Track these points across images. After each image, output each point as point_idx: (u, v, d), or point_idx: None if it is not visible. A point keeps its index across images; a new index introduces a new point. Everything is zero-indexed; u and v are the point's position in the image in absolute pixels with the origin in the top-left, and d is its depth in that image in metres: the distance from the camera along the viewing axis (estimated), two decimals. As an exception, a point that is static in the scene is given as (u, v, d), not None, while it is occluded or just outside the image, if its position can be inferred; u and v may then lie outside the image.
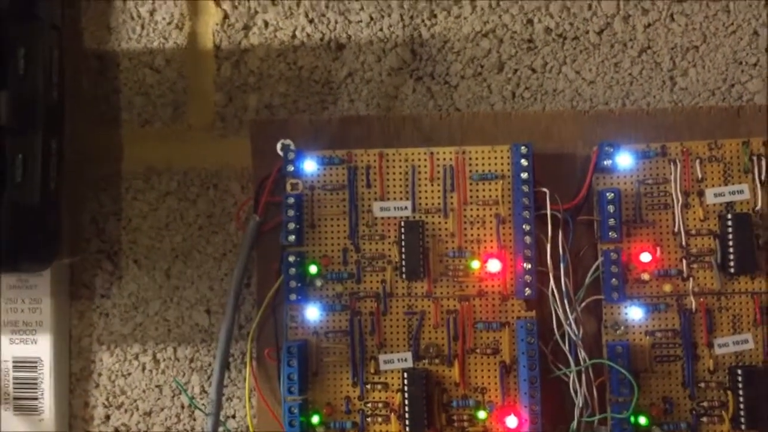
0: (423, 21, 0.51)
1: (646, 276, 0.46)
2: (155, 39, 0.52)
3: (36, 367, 0.50)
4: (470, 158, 0.47)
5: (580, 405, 0.44)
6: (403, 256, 0.46)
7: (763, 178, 0.46)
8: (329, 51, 0.51)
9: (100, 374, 0.52)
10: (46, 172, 0.45)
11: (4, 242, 0.42)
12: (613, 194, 0.45)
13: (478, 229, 0.47)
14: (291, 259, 0.46)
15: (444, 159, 0.47)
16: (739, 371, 0.44)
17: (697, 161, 0.46)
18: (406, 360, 0.46)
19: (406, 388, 0.45)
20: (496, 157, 0.47)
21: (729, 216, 0.45)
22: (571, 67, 0.50)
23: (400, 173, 0.47)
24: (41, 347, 0.50)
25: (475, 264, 0.46)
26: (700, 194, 0.46)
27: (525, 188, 0.45)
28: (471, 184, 0.47)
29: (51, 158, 0.45)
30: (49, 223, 0.45)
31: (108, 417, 0.52)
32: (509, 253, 0.46)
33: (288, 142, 0.48)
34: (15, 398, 0.50)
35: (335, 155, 0.47)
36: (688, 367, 0.45)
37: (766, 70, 0.49)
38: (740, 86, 0.50)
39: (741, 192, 0.46)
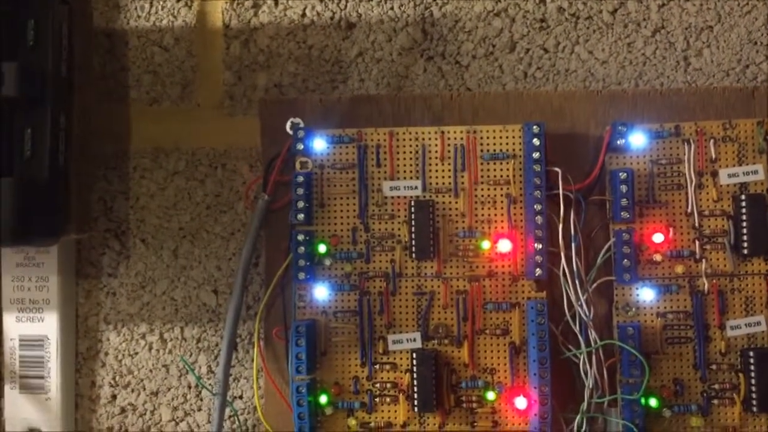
0: (434, 0, 0.50)
1: (658, 257, 0.45)
2: (164, 17, 0.52)
3: (42, 345, 0.50)
4: (481, 137, 0.47)
5: (591, 386, 0.44)
6: (413, 236, 0.46)
7: (777, 159, 0.45)
8: (339, 30, 0.51)
9: (106, 353, 0.52)
10: (54, 147, 0.44)
11: (13, 216, 0.42)
12: (625, 174, 0.45)
13: (489, 209, 0.46)
14: (300, 238, 0.46)
15: (455, 138, 0.47)
16: (752, 353, 0.44)
17: (711, 141, 0.46)
18: (414, 340, 0.46)
19: (414, 369, 0.45)
20: (507, 137, 0.46)
21: (743, 197, 0.45)
22: (584, 47, 0.50)
23: (411, 152, 0.47)
24: (48, 325, 0.50)
25: (486, 244, 0.46)
26: (714, 175, 0.45)
27: (537, 168, 0.45)
28: (482, 163, 0.46)
29: (60, 133, 0.45)
30: (57, 198, 0.45)
31: (114, 396, 0.52)
32: (520, 234, 0.46)
33: (297, 120, 0.48)
34: (21, 377, 0.50)
35: (345, 134, 0.47)
36: (699, 349, 0.45)
37: (781, 51, 0.49)
38: (755, 67, 0.49)
39: (755, 172, 0.45)
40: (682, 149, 0.46)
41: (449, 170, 0.47)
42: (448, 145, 0.47)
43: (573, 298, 0.44)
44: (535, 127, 0.45)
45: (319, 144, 0.47)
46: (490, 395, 0.45)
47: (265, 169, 0.48)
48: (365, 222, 0.47)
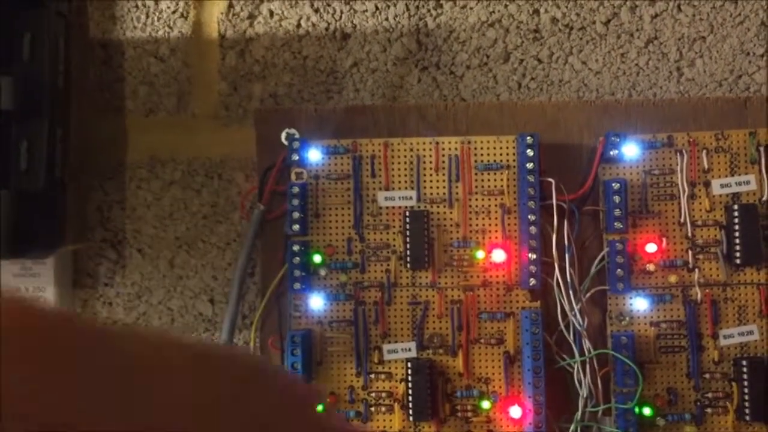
0: (429, 11, 0.51)
1: (651, 267, 0.45)
2: (160, 28, 0.52)
3: (39, 355, 0.50)
4: (476, 148, 0.47)
5: (585, 396, 0.44)
6: (408, 246, 0.46)
7: (769, 169, 0.45)
8: (334, 40, 0.51)
9: (103, 363, 0.52)
10: (51, 159, 0.44)
11: (9, 229, 0.42)
12: (619, 185, 0.45)
13: (483, 219, 0.47)
14: (295, 248, 0.46)
15: (449, 149, 0.47)
16: (744, 362, 0.44)
17: (704, 152, 0.46)
18: (410, 350, 0.46)
19: (409, 378, 0.45)
20: (501, 147, 0.47)
21: (735, 207, 0.45)
22: (578, 58, 0.50)
23: (405, 163, 0.47)
24: (45, 335, 0.50)
25: (480, 254, 0.46)
26: (707, 185, 0.46)
27: (531, 178, 0.45)
28: (476, 174, 0.47)
29: (56, 146, 0.45)
30: (54, 210, 0.45)
31: (111, 406, 0.52)
32: (514, 244, 0.46)
33: (293, 131, 0.48)
34: (18, 386, 0.50)
35: (340, 144, 0.47)
36: (693, 358, 0.45)
37: (773, 61, 0.49)
38: (747, 77, 0.49)
39: (747, 183, 0.45)
40: (675, 160, 0.46)
41: (444, 180, 0.47)
42: (443, 155, 0.47)
43: (567, 307, 0.45)
44: (528, 137, 0.45)
45: (314, 155, 0.47)
46: (485, 404, 0.46)
47: (261, 179, 0.48)
48: (360, 232, 0.47)
